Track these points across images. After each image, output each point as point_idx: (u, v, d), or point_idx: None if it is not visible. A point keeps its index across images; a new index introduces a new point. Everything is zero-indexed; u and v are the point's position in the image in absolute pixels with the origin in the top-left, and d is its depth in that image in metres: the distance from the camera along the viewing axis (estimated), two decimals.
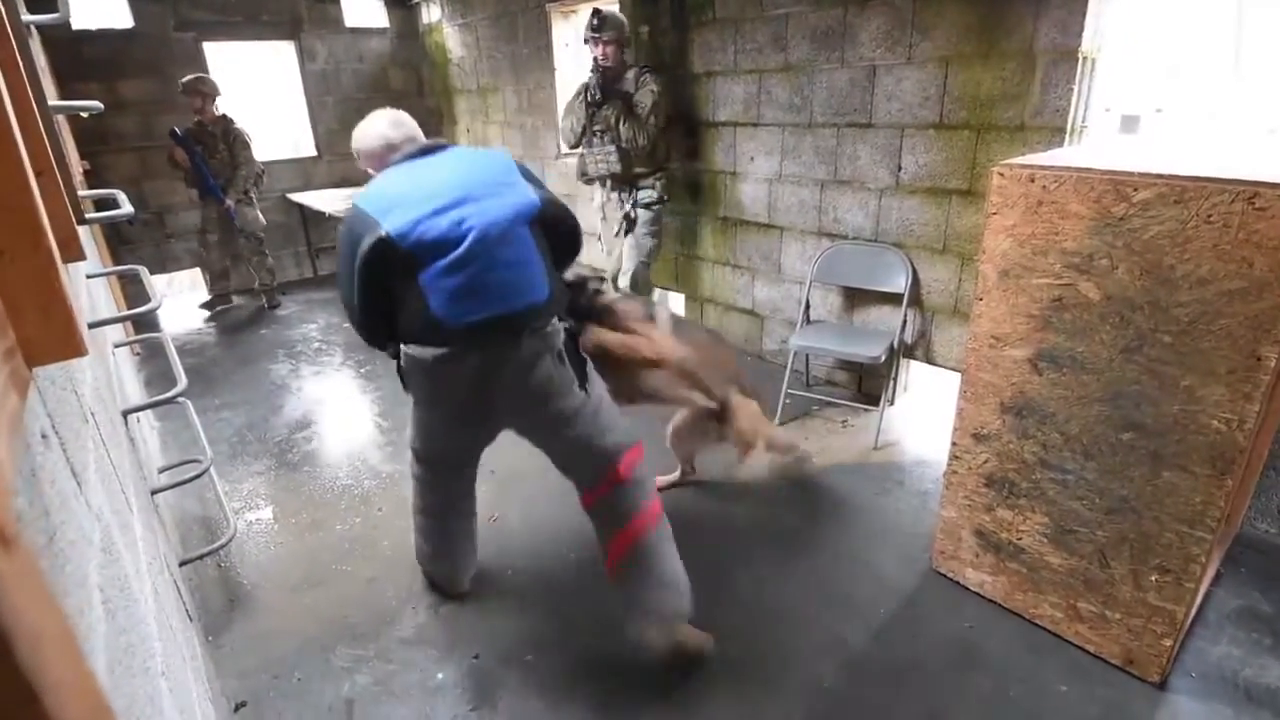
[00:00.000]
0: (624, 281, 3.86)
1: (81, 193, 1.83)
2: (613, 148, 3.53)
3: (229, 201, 4.88)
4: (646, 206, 3.69)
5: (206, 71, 5.31)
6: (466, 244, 1.68)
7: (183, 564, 2.01)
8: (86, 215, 1.63)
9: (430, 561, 2.23)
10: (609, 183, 3.71)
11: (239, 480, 2.94)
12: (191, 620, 1.78)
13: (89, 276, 2.15)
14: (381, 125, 1.94)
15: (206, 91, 4.70)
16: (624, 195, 3.70)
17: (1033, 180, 1.67)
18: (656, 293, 4.13)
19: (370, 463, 3.03)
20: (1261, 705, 1.75)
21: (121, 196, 1.98)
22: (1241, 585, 2.13)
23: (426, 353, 1.75)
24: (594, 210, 3.92)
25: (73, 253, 1.11)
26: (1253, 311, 1.44)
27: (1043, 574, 1.96)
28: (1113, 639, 1.86)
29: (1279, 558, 2.23)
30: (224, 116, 4.83)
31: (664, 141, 3.62)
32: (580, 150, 3.73)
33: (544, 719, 1.79)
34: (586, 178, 3.78)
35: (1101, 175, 1.58)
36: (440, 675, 1.92)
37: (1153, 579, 1.74)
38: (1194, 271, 1.49)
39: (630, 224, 3.73)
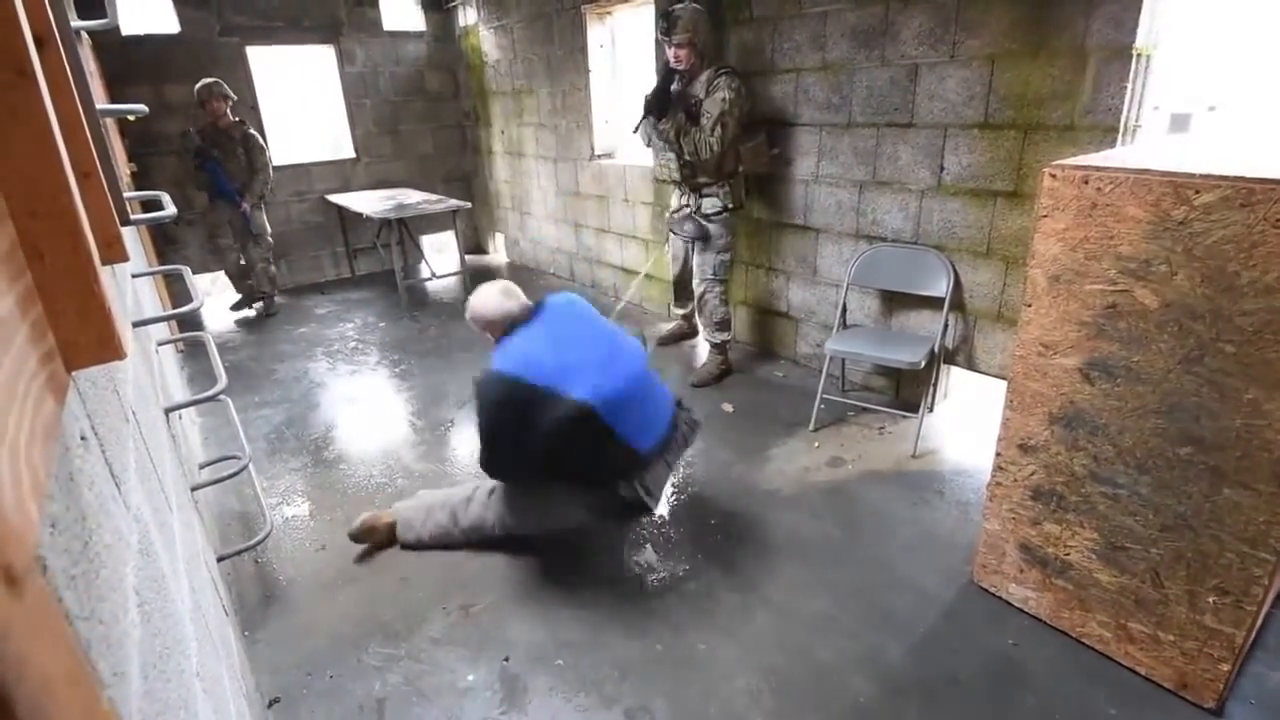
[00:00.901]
0: (696, 304, 3.76)
1: (127, 194, 1.86)
2: (672, 155, 3.35)
3: (246, 205, 4.90)
4: (709, 218, 3.46)
5: (250, 75, 5.44)
6: (633, 387, 2.16)
7: (221, 560, 2.04)
8: (132, 216, 1.66)
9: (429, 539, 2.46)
10: (678, 186, 3.54)
11: (276, 476, 2.99)
12: (228, 615, 1.80)
13: (134, 276, 2.20)
14: (498, 298, 2.31)
15: (225, 95, 4.70)
16: (688, 201, 3.51)
17: (1086, 182, 1.61)
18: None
19: (404, 461, 3.06)
20: None
21: (166, 198, 2.03)
22: None
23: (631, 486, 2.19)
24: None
25: (116, 254, 1.12)
26: None
27: (1091, 591, 1.88)
28: (1165, 661, 1.78)
29: None
30: (240, 121, 4.84)
31: (734, 150, 3.33)
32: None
33: None
34: (658, 179, 3.64)
35: (1160, 177, 1.50)
36: (471, 677, 1.92)
37: (1210, 600, 1.65)
38: (1260, 278, 1.42)
39: (695, 233, 3.56)
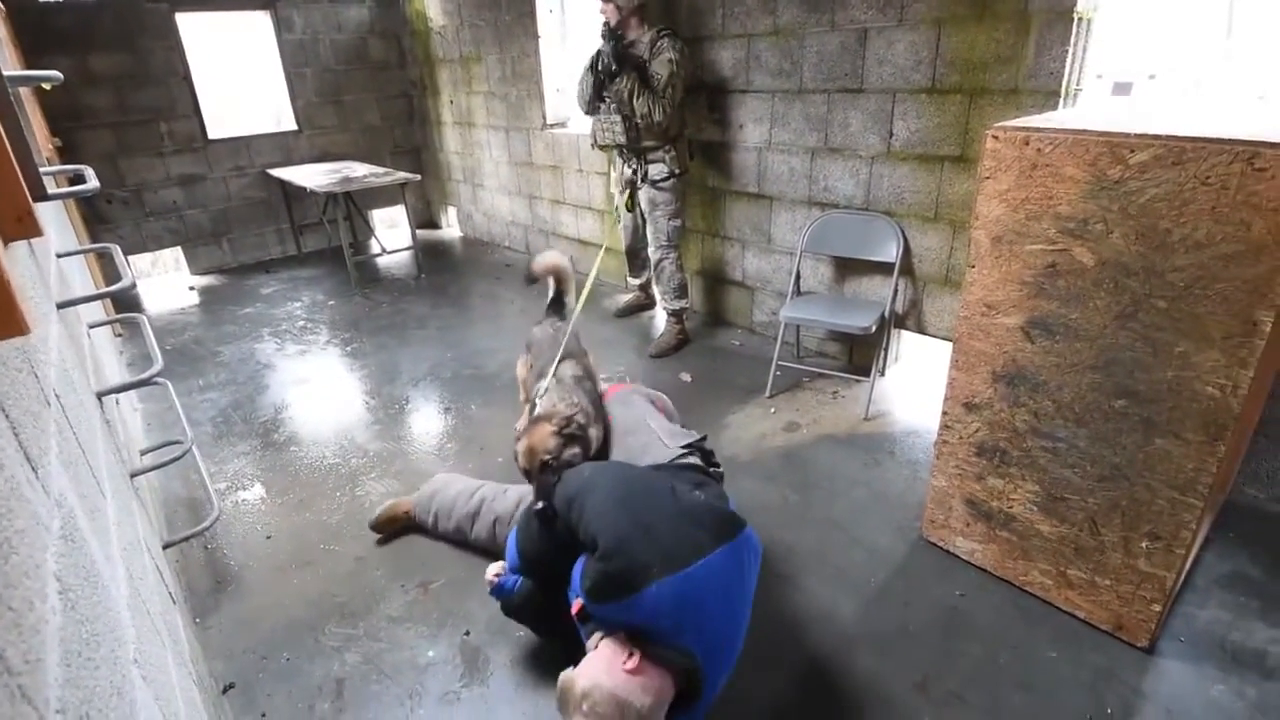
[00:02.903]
0: (652, 272, 3.75)
1: (46, 169, 1.76)
2: (618, 117, 3.31)
3: None
4: (657, 185, 3.45)
5: (181, 44, 5.16)
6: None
7: (166, 547, 1.98)
8: (50, 191, 1.58)
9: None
10: (620, 152, 3.52)
11: (224, 461, 2.90)
12: (175, 603, 1.75)
13: (59, 255, 2.09)
14: None
15: None
16: (634, 166, 3.49)
17: (1027, 143, 1.63)
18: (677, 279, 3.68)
19: (357, 441, 3.00)
20: (1248, 667, 1.77)
21: (89, 172, 1.93)
22: (1230, 550, 2.14)
23: None
24: (612, 183, 3.77)
25: (28, 229, 1.06)
26: (1249, 275, 1.41)
27: (1033, 542, 1.95)
28: (1102, 605, 1.87)
29: (1267, 523, 2.24)
30: None
31: (680, 113, 3.36)
32: (591, 117, 3.52)
33: (535, 692, 1.79)
34: (597, 145, 3.59)
35: (1098, 137, 1.54)
36: (431, 652, 1.91)
37: (1143, 545, 1.74)
38: (1190, 235, 1.46)
39: (635, 194, 3.56)
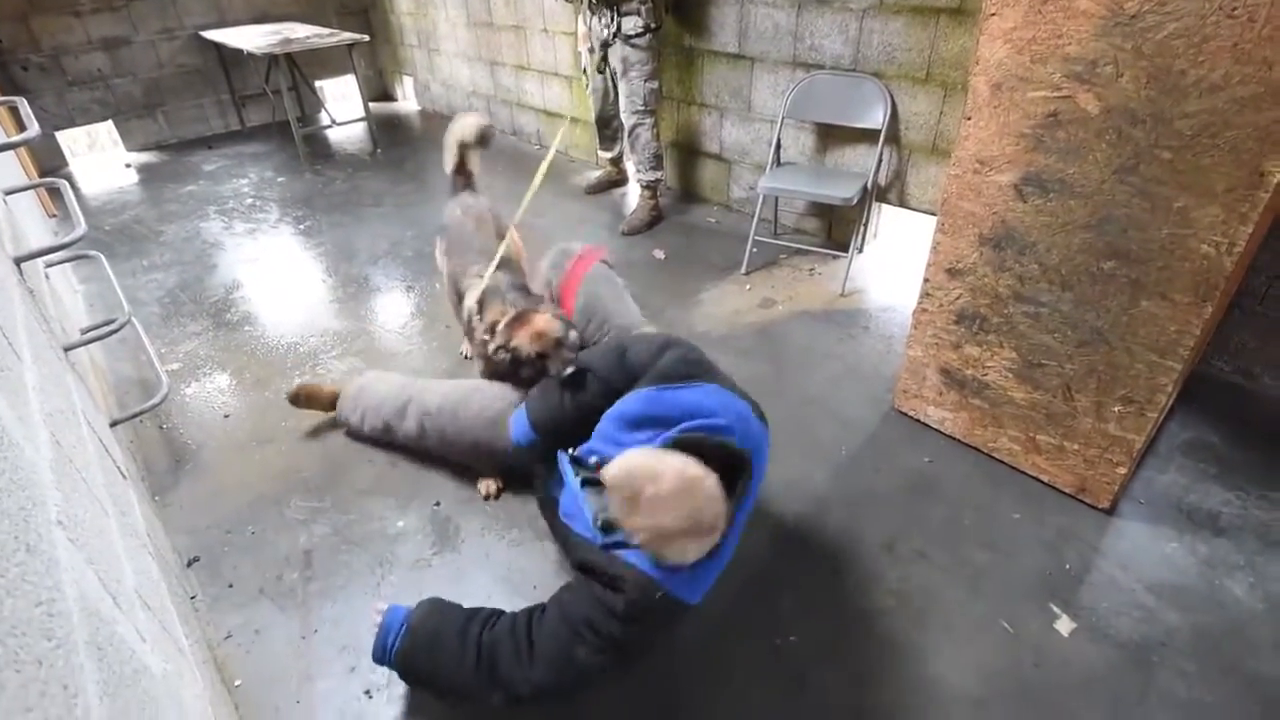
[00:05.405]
0: (626, 141, 3.51)
1: None
2: None
3: None
4: (631, 42, 3.14)
5: None
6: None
7: (114, 424, 1.89)
8: None
9: None
10: (588, 3, 3.19)
11: (175, 342, 2.76)
12: (126, 479, 1.68)
13: None
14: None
15: None
16: (605, 20, 3.17)
17: None
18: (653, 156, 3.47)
19: (316, 320, 2.87)
20: (1201, 527, 1.82)
21: None
22: (1193, 419, 2.16)
23: None
24: (580, 40, 3.44)
25: None
26: (1264, 122, 1.31)
27: (1005, 409, 1.95)
28: (1068, 469, 1.89)
29: (1231, 394, 2.27)
30: None
31: None
32: None
33: (507, 559, 1.79)
34: None
35: None
36: (401, 523, 1.89)
37: (1115, 410, 1.73)
38: (1207, 76, 1.35)
39: (606, 52, 3.27)
